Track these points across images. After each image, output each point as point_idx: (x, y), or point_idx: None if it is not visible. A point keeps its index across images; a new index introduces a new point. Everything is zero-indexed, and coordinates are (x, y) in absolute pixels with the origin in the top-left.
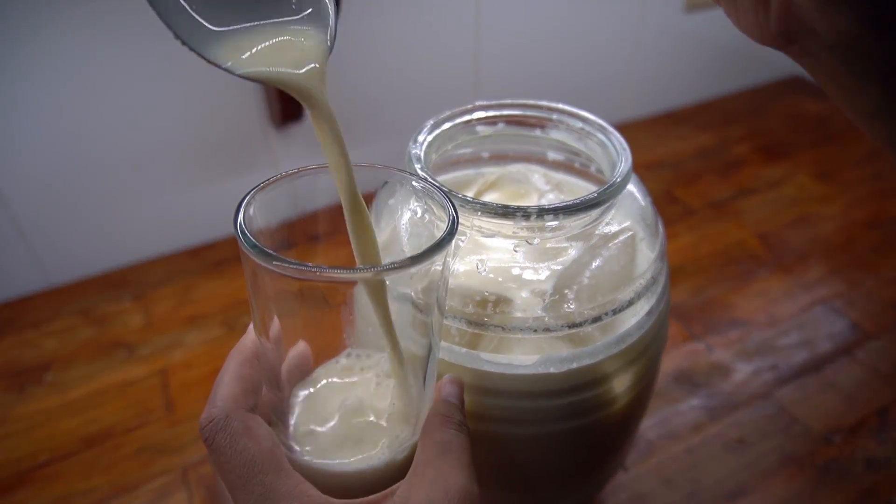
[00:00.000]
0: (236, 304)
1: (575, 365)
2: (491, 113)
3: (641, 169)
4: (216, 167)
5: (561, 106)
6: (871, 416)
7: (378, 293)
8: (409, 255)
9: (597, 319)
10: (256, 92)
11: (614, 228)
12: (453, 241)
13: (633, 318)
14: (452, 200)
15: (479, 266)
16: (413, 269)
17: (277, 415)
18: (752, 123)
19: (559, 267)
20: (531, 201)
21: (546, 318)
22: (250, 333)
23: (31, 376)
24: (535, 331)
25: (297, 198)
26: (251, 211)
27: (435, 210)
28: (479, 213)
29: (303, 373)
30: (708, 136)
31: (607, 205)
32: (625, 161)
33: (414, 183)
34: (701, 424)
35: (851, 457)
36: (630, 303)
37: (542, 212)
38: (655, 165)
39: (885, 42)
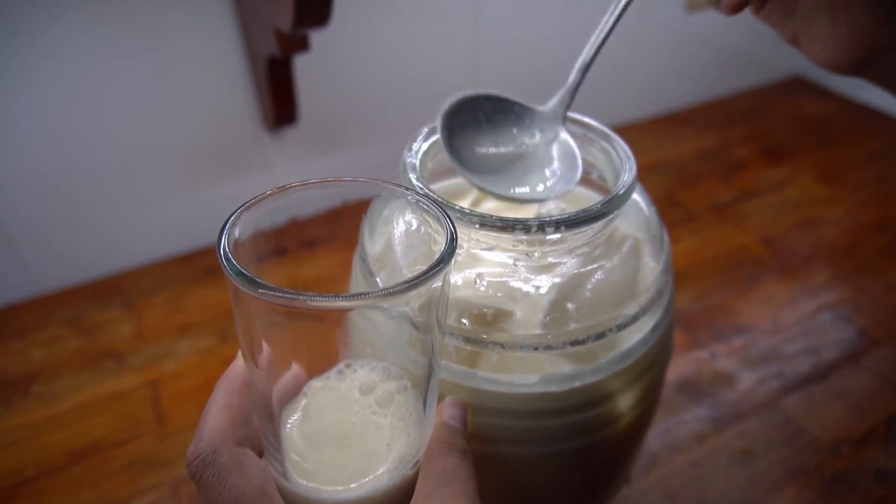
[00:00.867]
0: (229, 313)
1: (577, 383)
2: None
3: (642, 171)
4: (208, 172)
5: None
6: (879, 426)
7: None
8: (403, 268)
9: (600, 336)
10: (249, 95)
11: (618, 240)
12: (452, 261)
13: (637, 334)
14: (450, 216)
15: (478, 281)
16: (411, 294)
17: (270, 443)
18: (753, 125)
19: (560, 281)
20: (531, 211)
21: (547, 335)
22: (239, 360)
23: (17, 388)
24: (536, 348)
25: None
26: (236, 232)
27: (432, 225)
28: (477, 226)
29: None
30: (709, 138)
31: (610, 217)
32: (629, 170)
33: (409, 197)
34: (705, 435)
35: (860, 468)
36: (635, 318)
37: (543, 225)
38: (656, 168)
39: None
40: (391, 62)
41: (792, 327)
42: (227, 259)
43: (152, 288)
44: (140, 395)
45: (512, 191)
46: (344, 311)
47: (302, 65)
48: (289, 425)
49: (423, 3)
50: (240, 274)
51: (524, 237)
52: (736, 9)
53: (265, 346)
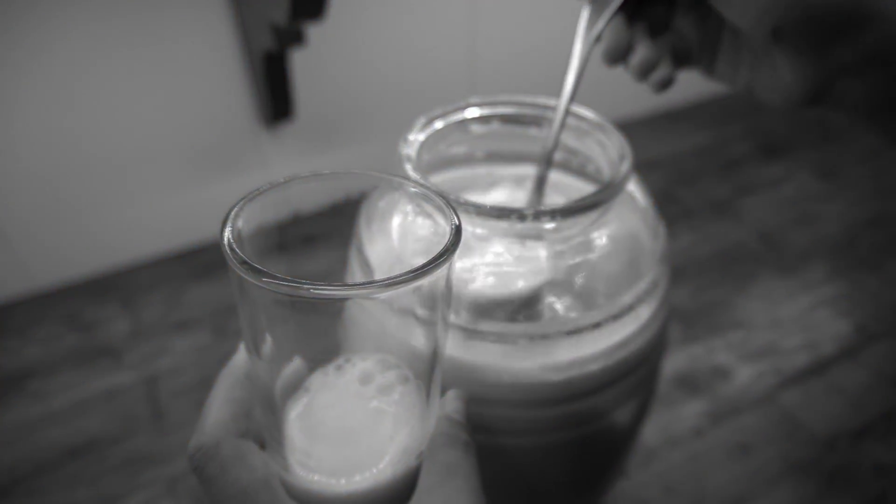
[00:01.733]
0: (226, 309)
1: (574, 373)
2: (485, 111)
3: (640, 168)
4: (205, 168)
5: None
6: (877, 420)
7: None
8: (402, 260)
9: (596, 325)
10: (245, 91)
11: (614, 230)
12: (457, 251)
13: (634, 324)
14: (455, 208)
15: (474, 270)
16: (415, 284)
17: (273, 436)
18: (751, 121)
19: (557, 271)
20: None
21: (543, 325)
22: (241, 353)
23: (13, 385)
24: (532, 337)
25: (290, 203)
26: (239, 223)
27: (434, 216)
28: (475, 216)
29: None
30: (707, 135)
31: (606, 206)
32: (625, 161)
33: (410, 188)
34: (703, 430)
35: (858, 463)
36: (631, 308)
37: (539, 214)
38: (654, 164)
39: None
40: (388, 57)
41: (789, 322)
42: (231, 249)
43: (149, 285)
44: (137, 393)
45: None
46: (346, 301)
47: (298, 60)
48: (291, 418)
49: (420, 1)
50: (244, 263)
51: (520, 226)
52: (664, 86)
53: (268, 337)
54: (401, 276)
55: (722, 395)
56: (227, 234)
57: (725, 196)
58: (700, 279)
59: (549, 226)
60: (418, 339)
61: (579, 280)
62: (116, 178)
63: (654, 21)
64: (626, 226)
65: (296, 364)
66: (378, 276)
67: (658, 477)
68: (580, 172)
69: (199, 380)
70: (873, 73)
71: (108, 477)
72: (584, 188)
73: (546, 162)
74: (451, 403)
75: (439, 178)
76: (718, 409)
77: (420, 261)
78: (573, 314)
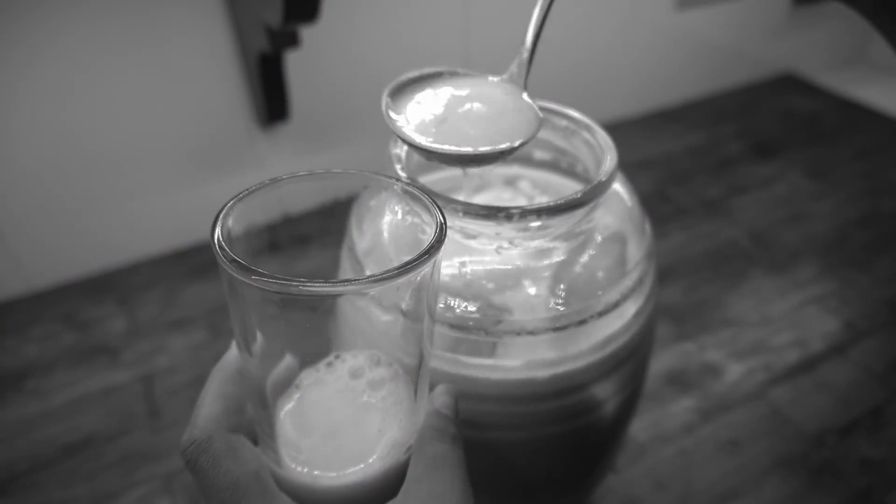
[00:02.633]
0: (222, 308)
1: (560, 369)
2: None
3: (632, 168)
4: (201, 169)
5: (545, 104)
6: (864, 417)
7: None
8: (392, 259)
9: (582, 322)
10: (241, 92)
11: (600, 229)
12: (442, 248)
13: (619, 321)
14: (439, 205)
15: (462, 268)
16: (400, 280)
17: (264, 431)
18: (743, 121)
19: (543, 268)
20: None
21: (530, 321)
22: (232, 350)
23: (11, 383)
24: (519, 334)
25: (281, 203)
26: (230, 222)
27: (421, 214)
28: (462, 215)
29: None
30: (699, 135)
31: (591, 205)
32: (609, 160)
33: (397, 187)
34: (693, 426)
35: (845, 458)
36: (616, 304)
37: (525, 213)
38: (647, 164)
39: None
40: (381, 58)
41: (779, 320)
42: (222, 248)
43: (145, 284)
44: (133, 391)
45: (456, 147)
46: (335, 298)
47: (293, 62)
48: (282, 413)
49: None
50: (234, 261)
51: (507, 224)
52: None
53: (259, 335)
54: (387, 272)
55: (712, 391)
56: (218, 232)
57: (717, 195)
58: (691, 277)
59: (536, 224)
60: (406, 336)
61: (565, 277)
62: (113, 178)
63: None
64: (613, 223)
65: (287, 361)
66: (369, 274)
67: (648, 472)
68: (569, 172)
69: (194, 378)
70: None
71: (104, 473)
72: (573, 187)
73: (535, 37)
74: (439, 398)
75: (429, 179)
76: (709, 405)
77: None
78: (559, 310)
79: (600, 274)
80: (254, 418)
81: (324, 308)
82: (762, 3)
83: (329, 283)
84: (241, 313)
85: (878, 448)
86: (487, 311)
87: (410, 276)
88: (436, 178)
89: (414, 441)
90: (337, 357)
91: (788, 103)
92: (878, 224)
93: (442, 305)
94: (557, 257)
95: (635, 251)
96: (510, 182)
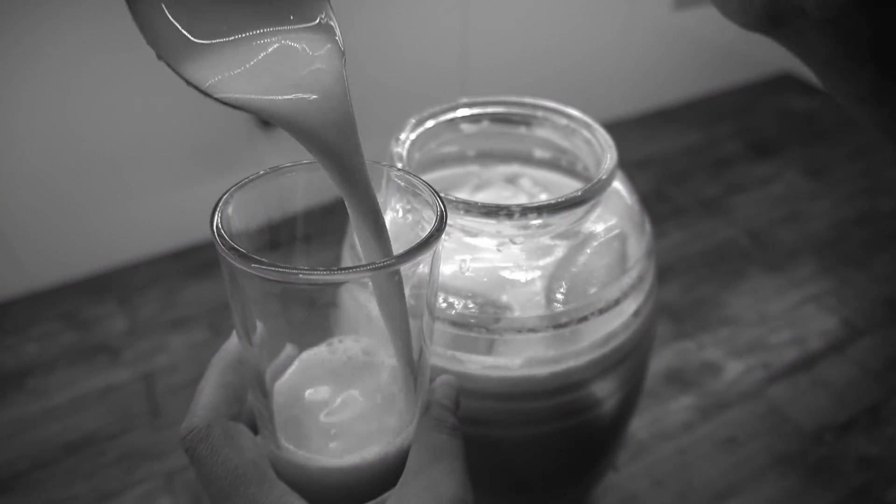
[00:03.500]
0: (222, 307)
1: (560, 366)
2: (475, 110)
3: (631, 167)
4: (201, 169)
5: (545, 103)
6: (862, 414)
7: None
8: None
9: (582, 319)
10: None
11: (600, 227)
12: (441, 239)
13: (619, 318)
14: (440, 195)
15: (463, 266)
16: (400, 268)
17: (264, 419)
18: (741, 121)
19: (544, 266)
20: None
21: (530, 319)
22: (233, 339)
23: (12, 382)
24: (520, 331)
25: (281, 197)
26: (229, 211)
27: (421, 210)
28: (463, 213)
29: None
30: (697, 134)
31: (591, 203)
32: (609, 158)
33: (397, 179)
34: (692, 424)
35: (843, 455)
36: (616, 302)
37: (526, 211)
38: (645, 163)
39: (878, 17)
40: (380, 57)
41: (777, 318)
42: (221, 236)
43: (145, 283)
44: (133, 389)
45: None
46: (335, 287)
47: None
48: (281, 399)
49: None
50: (233, 249)
51: (508, 223)
52: None
53: (259, 324)
54: (386, 260)
55: (711, 389)
56: (217, 220)
57: (716, 194)
58: (690, 276)
59: (536, 222)
60: (406, 325)
61: (566, 275)
62: (113, 178)
63: None
64: (613, 221)
65: (287, 352)
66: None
67: (647, 470)
68: (570, 171)
69: (195, 376)
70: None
71: (105, 472)
72: (573, 185)
73: None
74: (440, 389)
75: (430, 177)
76: (707, 403)
77: None
78: (559, 308)
79: (600, 272)
80: (254, 406)
81: (324, 299)
82: None
83: (328, 271)
84: (241, 303)
85: (876, 445)
86: (488, 308)
87: (409, 264)
88: (437, 176)
89: (413, 431)
90: (339, 342)
91: (786, 103)
92: (875, 223)
93: (443, 303)
94: (557, 255)
95: (635, 249)
96: (511, 180)
